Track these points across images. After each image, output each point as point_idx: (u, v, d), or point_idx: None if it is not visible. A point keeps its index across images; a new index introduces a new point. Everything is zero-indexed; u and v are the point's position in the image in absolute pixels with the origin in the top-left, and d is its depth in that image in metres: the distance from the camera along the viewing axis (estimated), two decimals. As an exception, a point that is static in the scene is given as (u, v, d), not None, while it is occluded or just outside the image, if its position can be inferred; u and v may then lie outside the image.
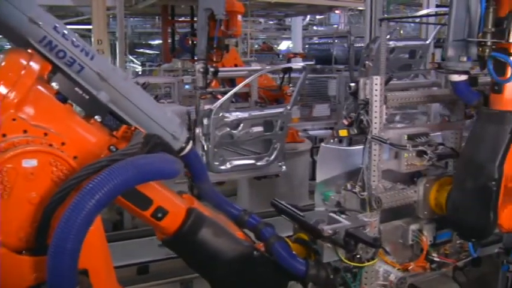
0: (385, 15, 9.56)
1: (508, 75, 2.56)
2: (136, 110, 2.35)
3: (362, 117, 3.08)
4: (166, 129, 2.42)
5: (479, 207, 2.73)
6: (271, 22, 25.45)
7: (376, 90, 3.00)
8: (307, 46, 21.11)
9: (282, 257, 2.49)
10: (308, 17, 23.76)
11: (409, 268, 3.34)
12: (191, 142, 2.53)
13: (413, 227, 3.30)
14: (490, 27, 2.47)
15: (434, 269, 3.47)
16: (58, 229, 1.70)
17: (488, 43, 2.48)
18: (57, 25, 2.07)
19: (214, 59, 6.71)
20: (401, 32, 16.00)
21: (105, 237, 2.01)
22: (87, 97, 2.21)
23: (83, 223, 1.71)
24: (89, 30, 14.83)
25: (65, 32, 2.10)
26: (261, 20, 24.10)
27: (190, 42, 9.00)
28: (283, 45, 25.25)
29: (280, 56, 20.59)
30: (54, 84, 2.08)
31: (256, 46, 23.40)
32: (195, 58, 7.84)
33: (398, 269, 3.31)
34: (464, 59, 2.69)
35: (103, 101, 2.23)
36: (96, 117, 2.20)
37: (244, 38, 17.49)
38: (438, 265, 3.48)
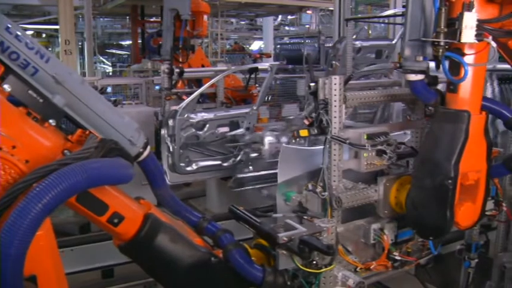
0: (352, 16, 9.61)
1: (462, 74, 2.58)
2: (92, 115, 2.31)
3: (322, 117, 3.07)
4: (123, 134, 2.38)
5: (436, 206, 2.75)
6: (242, 22, 25.46)
7: (335, 90, 3.00)
8: (278, 46, 21.16)
9: (238, 264, 2.48)
10: (280, 17, 23.86)
11: (371, 267, 3.35)
12: (149, 147, 2.49)
13: (375, 226, 3.30)
14: (442, 27, 2.48)
15: (396, 268, 3.48)
16: (2, 234, 1.65)
17: (442, 43, 2.50)
18: (9, 26, 2.02)
19: (180, 60, 6.66)
20: (370, 32, 16.16)
21: (56, 242, 1.96)
22: (41, 100, 2.16)
23: (29, 228, 1.66)
24: (57, 30, 14.56)
25: (18, 33, 2.05)
26: (233, 20, 24.08)
27: (156, 42, 8.92)
28: (255, 46, 25.27)
29: (252, 56, 20.65)
30: (6, 86, 2.04)
31: (228, 46, 23.35)
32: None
33: (361, 269, 3.33)
34: (421, 58, 2.71)
35: (58, 104, 2.19)
36: (50, 121, 2.15)
37: (215, 38, 17.44)
38: (401, 263, 3.50)
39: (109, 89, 12.91)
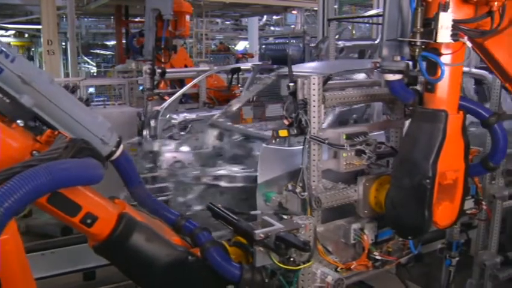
0: (335, 16, 9.64)
1: (439, 74, 2.59)
2: (62, 114, 2.28)
3: (301, 117, 3.07)
4: (94, 134, 2.35)
5: (414, 205, 2.75)
6: (228, 22, 25.43)
7: (313, 90, 3.00)
8: (263, 46, 21.18)
9: (216, 262, 2.46)
10: (265, 17, 23.87)
11: (352, 267, 3.35)
12: (122, 146, 2.46)
13: (355, 226, 3.30)
14: (419, 27, 2.49)
15: (377, 267, 3.49)
16: None
17: (418, 43, 2.50)
18: None
19: (163, 60, 6.63)
20: (354, 32, 16.24)
21: (23, 246, 1.92)
22: (8, 101, 2.13)
23: None
24: (39, 30, 14.42)
25: None
26: (218, 20, 24.05)
27: (140, 42, 8.90)
28: (240, 46, 25.27)
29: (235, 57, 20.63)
30: None
31: (213, 46, 23.32)
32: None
33: (341, 269, 3.33)
34: (398, 58, 2.71)
35: (26, 105, 2.15)
36: (18, 121, 2.12)
37: (200, 39, 17.40)
38: (381, 263, 3.50)
39: (92, 90, 12.83)
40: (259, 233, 2.50)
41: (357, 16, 13.32)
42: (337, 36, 7.18)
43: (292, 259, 2.62)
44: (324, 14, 9.74)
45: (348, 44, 7.70)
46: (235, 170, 4.11)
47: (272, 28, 26.32)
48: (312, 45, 11.88)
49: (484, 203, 3.62)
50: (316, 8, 17.66)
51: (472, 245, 4.72)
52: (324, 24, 9.58)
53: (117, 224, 2.24)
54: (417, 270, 5.04)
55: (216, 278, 2.53)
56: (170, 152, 4.79)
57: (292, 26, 24.80)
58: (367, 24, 15.77)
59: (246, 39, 23.43)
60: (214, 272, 2.49)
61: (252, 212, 3.26)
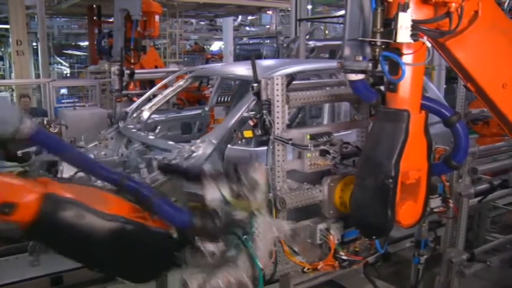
0: (306, 16, 9.65)
1: (400, 74, 2.60)
2: None
3: (265, 117, 3.05)
4: None
5: (377, 205, 2.75)
6: (202, 23, 25.34)
7: (277, 90, 2.98)
8: (238, 46, 21.17)
9: (162, 211, 2.34)
10: (240, 17, 23.84)
11: (319, 267, 3.35)
12: (28, 120, 2.34)
13: (321, 226, 3.30)
14: (378, 27, 2.49)
15: (344, 267, 3.49)
16: None
17: (378, 43, 2.51)
18: None
19: (132, 61, 6.56)
20: (328, 32, 16.35)
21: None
22: None
23: None
24: (8, 30, 14.15)
25: None
26: (193, 20, 23.96)
27: (111, 43, 8.79)
28: (215, 46, 25.22)
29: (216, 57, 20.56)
30: None
31: (188, 47, 23.22)
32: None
33: (308, 269, 3.33)
34: (360, 58, 2.71)
35: None
36: None
37: (174, 39, 17.30)
38: (349, 263, 3.51)
39: (65, 91, 12.63)
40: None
41: (327, 16, 13.39)
42: (307, 36, 7.18)
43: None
44: (297, 14, 9.77)
45: (319, 44, 7.73)
46: None
47: (247, 28, 26.31)
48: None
49: (451, 201, 3.66)
50: (290, 9, 17.77)
51: (442, 242, 4.77)
52: (297, 25, 9.62)
53: (40, 206, 2.13)
54: (385, 269, 5.10)
55: (160, 243, 2.43)
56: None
57: (267, 27, 24.83)
58: (342, 25, 15.86)
59: (221, 39, 23.40)
60: (158, 237, 2.39)
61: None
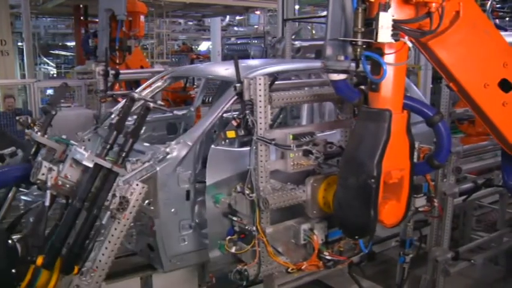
0: (293, 16, 9.64)
1: (382, 74, 2.60)
2: None
3: (248, 117, 3.04)
4: None
5: (360, 205, 2.74)
6: (190, 23, 25.27)
7: (259, 90, 2.97)
8: (227, 46, 21.12)
9: None
10: (227, 17, 23.79)
11: (303, 267, 3.34)
12: None
13: (305, 226, 3.30)
14: (359, 27, 2.49)
15: (329, 267, 3.49)
16: None
17: (359, 43, 2.50)
18: None
19: (117, 61, 6.50)
20: (314, 32, 16.38)
21: None
22: None
23: None
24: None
25: None
26: (181, 20, 23.88)
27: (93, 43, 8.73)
28: (204, 46, 25.15)
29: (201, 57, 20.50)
30: None
31: (176, 47, 23.14)
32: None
33: (292, 269, 3.31)
34: (342, 58, 2.70)
35: None
36: None
37: (162, 39, 17.24)
38: (334, 262, 3.50)
39: (51, 91, 12.50)
40: None
41: (313, 16, 13.40)
42: (293, 36, 7.18)
43: None
44: (283, 14, 9.75)
45: (305, 43, 7.72)
46: None
47: (235, 28, 26.26)
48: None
49: (435, 200, 3.66)
50: (278, 9, 17.76)
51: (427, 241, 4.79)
52: (283, 25, 9.61)
53: None
54: (374, 268, 5.11)
55: None
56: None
57: (256, 27, 24.81)
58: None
59: (209, 39, 23.34)
60: None
61: None
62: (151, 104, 3.01)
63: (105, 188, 2.85)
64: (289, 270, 3.32)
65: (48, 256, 2.73)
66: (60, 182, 2.84)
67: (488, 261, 5.36)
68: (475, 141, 5.60)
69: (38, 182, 2.81)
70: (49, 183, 2.78)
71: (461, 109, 4.99)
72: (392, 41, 2.50)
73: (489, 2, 6.51)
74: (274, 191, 3.14)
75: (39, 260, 2.69)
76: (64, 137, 3.27)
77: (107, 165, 2.84)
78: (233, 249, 3.34)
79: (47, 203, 2.79)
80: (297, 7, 12.04)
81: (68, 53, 26.71)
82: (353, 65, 2.65)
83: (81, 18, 15.48)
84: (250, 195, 3.14)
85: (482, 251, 5.05)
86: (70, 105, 8.61)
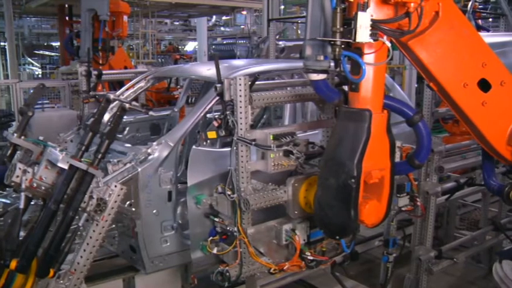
0: (277, 16, 9.66)
1: (361, 73, 2.59)
2: None
3: (228, 118, 3.03)
4: None
5: (340, 205, 2.74)
6: (177, 23, 25.19)
7: (240, 90, 2.96)
8: (213, 46, 21.08)
9: None
10: (214, 17, 23.76)
11: (285, 268, 3.33)
12: None
13: (286, 226, 3.29)
14: (338, 27, 2.48)
15: (311, 267, 3.48)
16: None
17: (338, 42, 2.50)
18: None
19: (100, 61, 6.45)
20: (300, 32, 16.37)
21: None
22: None
23: None
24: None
25: None
26: (167, 20, 23.80)
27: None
28: (190, 46, 25.09)
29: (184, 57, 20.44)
30: None
31: (163, 47, 23.05)
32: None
33: (274, 270, 3.30)
34: (321, 57, 2.70)
35: None
36: None
37: (148, 39, 17.15)
38: (316, 262, 3.50)
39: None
40: None
41: (297, 16, 13.42)
42: (277, 36, 7.18)
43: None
44: (269, 14, 9.76)
45: (289, 43, 7.70)
46: None
47: (222, 29, 26.24)
48: (258, 45, 11.89)
49: (418, 199, 3.68)
50: (264, 9, 17.77)
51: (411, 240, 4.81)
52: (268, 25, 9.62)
53: None
54: (358, 268, 5.12)
55: None
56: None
57: (242, 27, 24.80)
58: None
59: (195, 39, 23.28)
60: None
61: None
62: (127, 105, 2.97)
63: (81, 189, 2.81)
64: (271, 270, 3.30)
65: (22, 259, 2.70)
66: (35, 184, 2.79)
67: (471, 259, 5.40)
68: (459, 140, 5.63)
69: (13, 184, 2.77)
70: (23, 186, 2.74)
71: (443, 108, 5.01)
72: (371, 40, 2.50)
73: (470, 3, 6.56)
74: (255, 191, 3.13)
75: (13, 264, 2.66)
76: (41, 138, 3.21)
77: (83, 166, 2.80)
78: (215, 250, 3.32)
79: (21, 206, 2.75)
80: (282, 7, 12.07)
81: (53, 54, 26.51)
82: (333, 64, 2.66)
83: (66, 18, 15.32)
84: (231, 196, 3.12)
85: (464, 250, 5.08)
86: (54, 106, 8.50)
